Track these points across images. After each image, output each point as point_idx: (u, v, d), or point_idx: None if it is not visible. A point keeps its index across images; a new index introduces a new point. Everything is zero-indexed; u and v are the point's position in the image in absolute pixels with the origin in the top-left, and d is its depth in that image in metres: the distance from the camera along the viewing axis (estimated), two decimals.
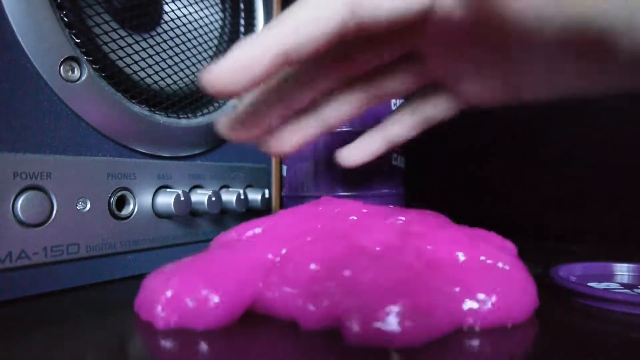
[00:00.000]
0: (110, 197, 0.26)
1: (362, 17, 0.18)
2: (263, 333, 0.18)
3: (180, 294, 0.18)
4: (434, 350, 0.16)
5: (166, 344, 0.17)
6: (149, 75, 0.29)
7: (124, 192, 0.27)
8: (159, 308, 0.18)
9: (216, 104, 0.34)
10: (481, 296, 0.18)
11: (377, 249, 0.21)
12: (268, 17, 0.39)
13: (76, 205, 0.25)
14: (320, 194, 0.33)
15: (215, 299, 0.18)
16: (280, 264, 0.20)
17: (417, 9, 0.18)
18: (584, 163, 0.41)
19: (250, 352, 0.16)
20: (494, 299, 0.18)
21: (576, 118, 0.41)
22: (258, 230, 0.23)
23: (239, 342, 0.17)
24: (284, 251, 0.21)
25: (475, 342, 0.17)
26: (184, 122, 0.31)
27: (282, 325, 0.19)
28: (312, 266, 0.19)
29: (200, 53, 0.33)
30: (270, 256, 0.20)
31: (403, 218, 0.22)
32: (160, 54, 0.30)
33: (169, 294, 0.18)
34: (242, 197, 0.33)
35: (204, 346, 0.17)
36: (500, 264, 0.19)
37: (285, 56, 0.18)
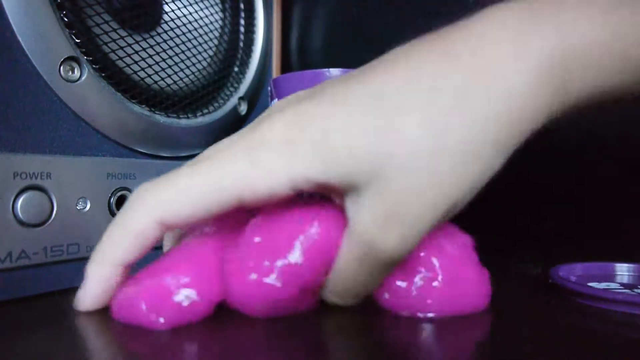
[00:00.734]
0: (110, 197, 0.26)
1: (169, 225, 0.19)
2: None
3: (155, 295, 0.18)
4: (432, 347, 0.16)
5: (167, 343, 0.17)
6: (149, 75, 0.29)
7: (124, 192, 0.27)
8: (141, 311, 0.18)
9: (216, 104, 0.34)
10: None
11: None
12: (268, 17, 0.39)
13: (76, 205, 0.25)
14: None
15: (192, 294, 0.18)
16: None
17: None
18: (585, 162, 0.41)
19: (249, 349, 0.16)
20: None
21: (576, 118, 0.41)
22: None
23: (236, 337, 0.17)
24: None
25: (473, 340, 0.17)
26: (184, 122, 0.31)
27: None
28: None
29: (200, 53, 0.33)
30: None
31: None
32: (160, 54, 0.30)
33: (138, 297, 0.18)
34: None
35: (204, 343, 0.17)
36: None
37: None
